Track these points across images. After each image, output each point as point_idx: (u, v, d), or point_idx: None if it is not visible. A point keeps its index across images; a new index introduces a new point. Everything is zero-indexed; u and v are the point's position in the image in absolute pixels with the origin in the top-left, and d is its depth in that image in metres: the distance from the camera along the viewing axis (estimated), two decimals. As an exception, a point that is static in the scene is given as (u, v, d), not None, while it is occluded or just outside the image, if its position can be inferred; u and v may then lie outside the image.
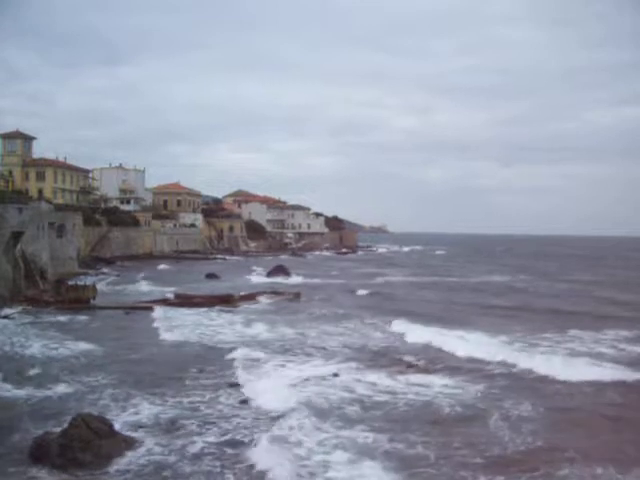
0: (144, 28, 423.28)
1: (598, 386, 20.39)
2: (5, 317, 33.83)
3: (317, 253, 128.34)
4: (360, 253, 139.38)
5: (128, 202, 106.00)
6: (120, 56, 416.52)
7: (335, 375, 21.63)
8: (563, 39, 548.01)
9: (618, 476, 13.04)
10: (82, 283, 43.60)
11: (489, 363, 23.98)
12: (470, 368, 23.33)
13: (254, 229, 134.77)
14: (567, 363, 22.82)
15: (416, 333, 29.89)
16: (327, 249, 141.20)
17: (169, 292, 45.45)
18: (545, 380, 21.35)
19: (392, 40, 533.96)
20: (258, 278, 62.97)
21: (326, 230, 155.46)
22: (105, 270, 68.84)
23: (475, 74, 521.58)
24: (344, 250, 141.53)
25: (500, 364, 23.65)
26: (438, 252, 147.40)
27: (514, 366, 23.26)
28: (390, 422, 16.71)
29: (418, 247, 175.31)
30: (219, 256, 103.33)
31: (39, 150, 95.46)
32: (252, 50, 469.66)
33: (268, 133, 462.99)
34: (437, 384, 20.72)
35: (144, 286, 53.04)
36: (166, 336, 29.72)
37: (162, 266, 77.44)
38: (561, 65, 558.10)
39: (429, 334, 29.46)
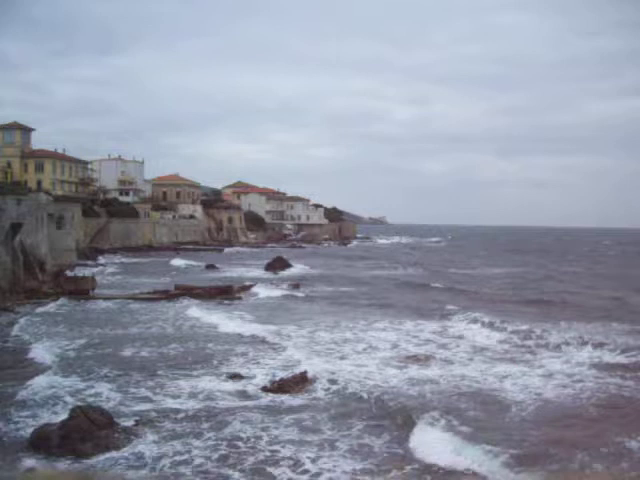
0: (141, 16, 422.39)
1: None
2: (4, 309, 33.91)
3: (315, 245, 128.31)
4: (355, 243, 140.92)
5: (127, 193, 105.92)
6: (116, 45, 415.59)
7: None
8: (562, 28, 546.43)
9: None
10: (81, 274, 43.72)
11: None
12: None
13: (253, 220, 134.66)
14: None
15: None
16: (326, 240, 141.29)
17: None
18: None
19: (391, 29, 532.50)
20: (255, 270, 63.05)
21: (325, 221, 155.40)
22: (102, 261, 69.25)
23: (474, 63, 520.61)
24: (341, 242, 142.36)
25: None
26: (432, 244, 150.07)
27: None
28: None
29: (412, 239, 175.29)
30: (219, 247, 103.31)
31: (37, 142, 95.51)
32: (250, 39, 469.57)
33: (267, 123, 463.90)
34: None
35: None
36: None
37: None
38: (559, 55, 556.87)
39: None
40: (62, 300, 37.73)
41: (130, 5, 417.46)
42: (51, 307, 35.77)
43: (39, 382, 19.53)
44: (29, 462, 13.63)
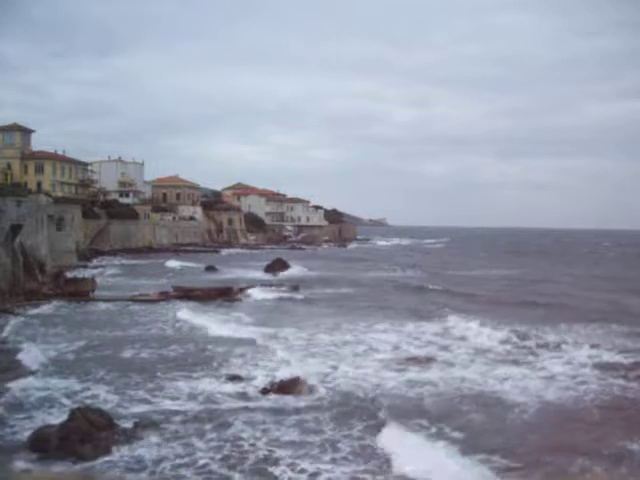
0: (140, 18, 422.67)
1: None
2: (4, 310, 33.86)
3: (314, 247, 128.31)
4: (354, 245, 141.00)
5: (127, 195, 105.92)
6: (116, 46, 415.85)
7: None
8: (562, 28, 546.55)
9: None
10: (81, 276, 43.68)
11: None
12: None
13: (253, 222, 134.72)
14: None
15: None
16: (326, 242, 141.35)
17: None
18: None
19: (391, 29, 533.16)
20: (255, 272, 62.97)
21: (325, 223, 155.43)
22: (102, 263, 69.24)
23: (474, 64, 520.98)
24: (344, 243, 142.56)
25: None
26: (431, 245, 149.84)
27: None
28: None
29: (411, 241, 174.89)
30: (217, 248, 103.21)
31: (37, 143, 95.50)
32: (249, 41, 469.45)
33: (266, 125, 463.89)
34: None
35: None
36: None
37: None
38: (559, 55, 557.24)
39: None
40: (61, 302, 37.69)
41: (129, 6, 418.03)
42: (50, 309, 35.74)
43: (35, 384, 19.46)
44: (26, 464, 13.57)
